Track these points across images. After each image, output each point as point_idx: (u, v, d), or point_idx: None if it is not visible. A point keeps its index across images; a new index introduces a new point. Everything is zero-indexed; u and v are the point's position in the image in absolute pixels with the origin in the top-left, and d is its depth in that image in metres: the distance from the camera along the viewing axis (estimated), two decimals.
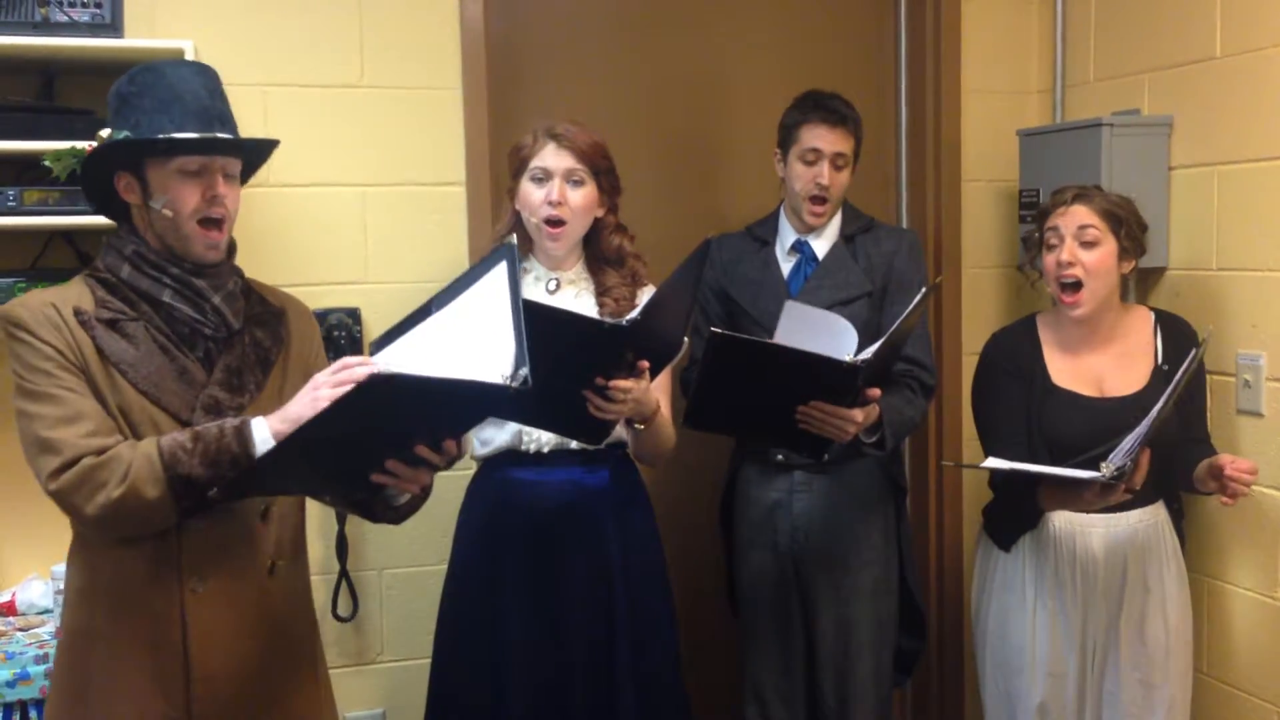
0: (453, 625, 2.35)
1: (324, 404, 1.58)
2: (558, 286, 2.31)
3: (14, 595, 2.53)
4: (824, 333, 2.13)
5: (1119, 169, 2.66)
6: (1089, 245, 2.32)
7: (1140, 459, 2.10)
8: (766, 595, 2.61)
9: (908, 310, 2.17)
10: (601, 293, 2.31)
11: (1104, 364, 2.40)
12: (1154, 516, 2.40)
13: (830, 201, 2.54)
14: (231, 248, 1.86)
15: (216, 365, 1.79)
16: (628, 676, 2.27)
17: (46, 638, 2.37)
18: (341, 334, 2.68)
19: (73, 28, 2.39)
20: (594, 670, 2.27)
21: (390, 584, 2.84)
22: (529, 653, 2.26)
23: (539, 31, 2.94)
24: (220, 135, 1.76)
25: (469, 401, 1.63)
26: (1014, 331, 2.52)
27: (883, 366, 2.22)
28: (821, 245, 2.59)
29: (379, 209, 2.76)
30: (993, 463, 2.20)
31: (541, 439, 2.28)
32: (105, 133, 1.80)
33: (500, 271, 1.67)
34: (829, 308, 2.48)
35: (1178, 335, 2.40)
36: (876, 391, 2.19)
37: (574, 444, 2.27)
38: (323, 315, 2.62)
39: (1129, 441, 2.09)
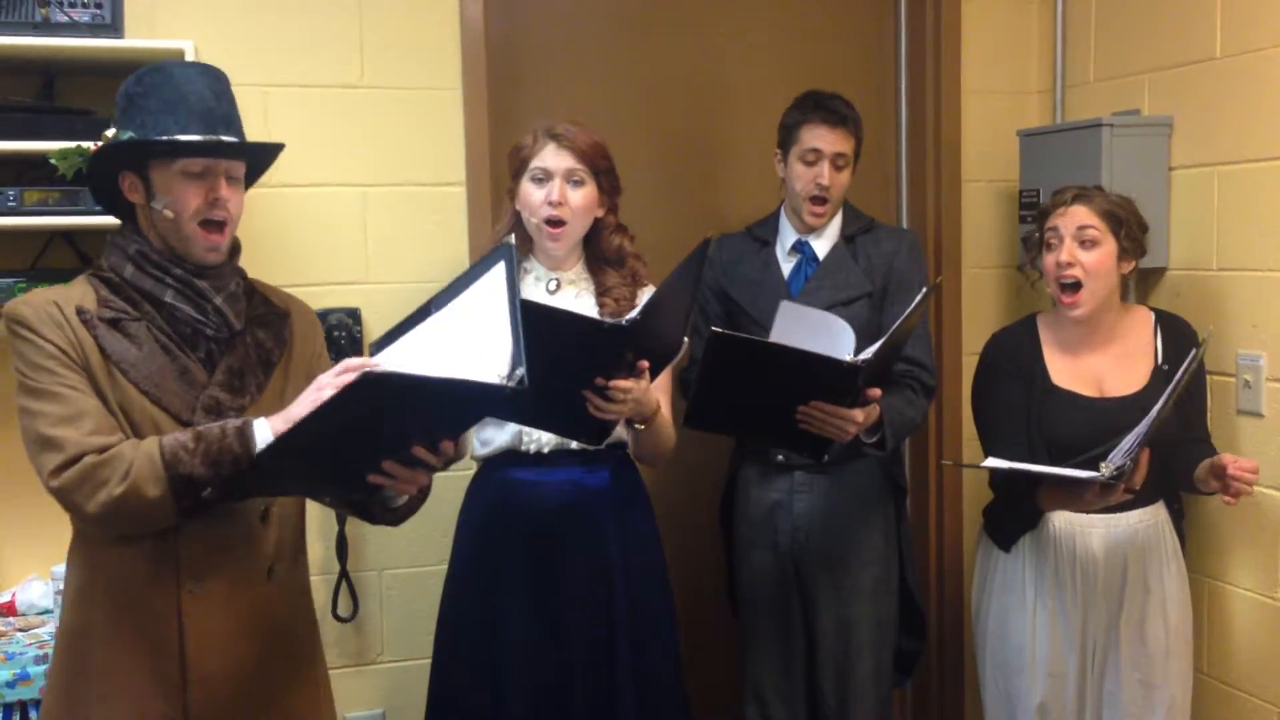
0: (453, 625, 2.35)
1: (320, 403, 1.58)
2: (558, 286, 2.31)
3: (14, 595, 2.53)
4: (821, 333, 2.12)
5: (1119, 169, 2.66)
6: (1088, 246, 2.32)
7: (1140, 459, 2.10)
8: (767, 595, 2.61)
9: (908, 310, 2.17)
10: (602, 293, 2.31)
11: (1104, 364, 2.40)
12: (1154, 517, 2.40)
13: (830, 202, 2.54)
14: (236, 249, 1.86)
15: (218, 366, 1.79)
16: (628, 677, 2.27)
17: (46, 638, 2.37)
18: (341, 334, 2.68)
19: (73, 28, 2.39)
20: (594, 670, 2.27)
21: (390, 584, 2.84)
22: (529, 653, 2.26)
23: (539, 31, 2.94)
24: (223, 138, 1.76)
25: (465, 402, 1.63)
26: (1014, 331, 2.52)
27: (883, 366, 2.22)
28: (822, 246, 2.59)
29: (379, 209, 2.76)
30: (992, 462, 2.20)
31: (541, 439, 2.28)
32: (111, 132, 1.81)
33: (498, 271, 1.67)
34: (829, 308, 2.48)
35: (1178, 335, 2.40)
36: (877, 391, 2.19)
37: (574, 444, 2.27)
38: (323, 315, 2.61)
39: (1128, 441, 2.09)
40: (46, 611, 2.50)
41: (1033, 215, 2.60)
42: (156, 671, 1.74)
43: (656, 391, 2.19)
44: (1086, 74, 2.99)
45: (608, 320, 2.06)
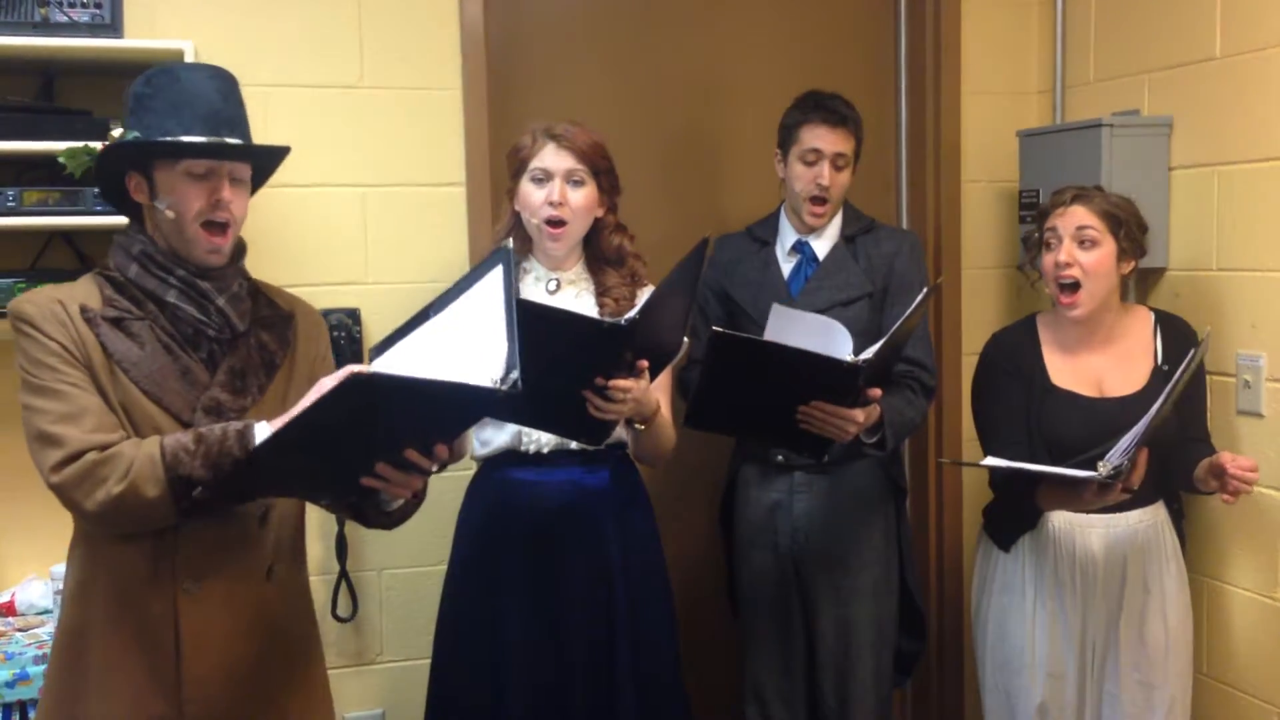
0: (452, 625, 2.35)
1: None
2: (558, 287, 2.31)
3: (13, 595, 2.53)
4: (815, 335, 2.12)
5: (1119, 169, 2.66)
6: (1088, 246, 2.32)
7: (1138, 458, 2.10)
8: (767, 595, 2.61)
9: (909, 311, 2.17)
10: (601, 293, 2.31)
11: (1104, 364, 2.40)
12: (1154, 517, 2.40)
13: (830, 202, 2.54)
14: (241, 250, 1.87)
15: (220, 367, 1.80)
16: (628, 677, 2.27)
17: (46, 638, 2.37)
18: (341, 334, 2.68)
19: (73, 28, 2.39)
20: (594, 671, 2.27)
21: (390, 584, 2.84)
22: (529, 653, 2.26)
23: (539, 31, 2.94)
24: (228, 140, 1.76)
25: (458, 405, 1.63)
26: (1014, 332, 2.52)
27: (884, 367, 2.22)
28: (822, 246, 2.59)
29: (379, 209, 2.76)
30: (989, 461, 2.20)
31: (541, 439, 2.28)
32: (118, 132, 1.82)
33: (496, 275, 1.67)
34: (829, 308, 2.48)
35: (1177, 336, 2.40)
36: (878, 391, 2.18)
37: (574, 444, 2.27)
38: (322, 315, 2.61)
39: (1126, 441, 2.09)
40: (46, 611, 2.50)
41: (1033, 215, 2.60)
42: (153, 670, 1.74)
43: (656, 391, 2.19)
44: (1086, 74, 2.99)
45: (607, 320, 2.06)
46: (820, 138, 2.49)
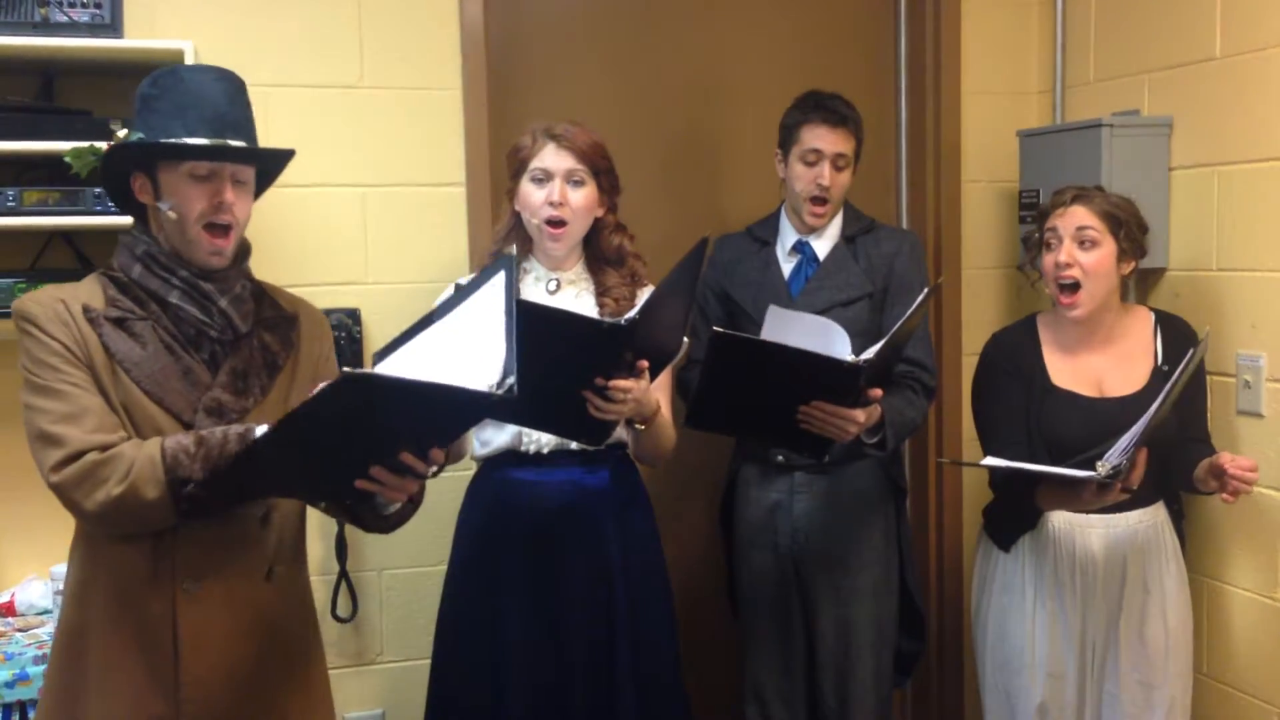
0: (452, 626, 2.35)
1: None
2: (558, 287, 2.31)
3: (13, 596, 2.53)
4: (812, 335, 2.11)
5: (1119, 169, 2.66)
6: (1088, 246, 2.32)
7: (1137, 458, 2.10)
8: (767, 596, 2.61)
9: (909, 311, 2.17)
10: (601, 293, 2.31)
11: (1104, 364, 2.40)
12: (1154, 517, 2.40)
13: (831, 202, 2.54)
14: (245, 252, 1.87)
15: (222, 367, 1.80)
16: (628, 677, 2.27)
17: (45, 638, 2.37)
18: (341, 334, 2.67)
19: (72, 28, 2.39)
20: (594, 671, 2.27)
21: (390, 584, 2.84)
22: (529, 653, 2.26)
23: (539, 31, 2.94)
24: (231, 143, 1.76)
25: (453, 408, 1.63)
26: (1014, 332, 2.52)
27: (884, 367, 2.22)
28: (822, 246, 2.59)
29: (379, 209, 2.76)
30: (988, 461, 2.20)
31: (541, 439, 2.28)
32: (122, 132, 1.82)
33: (499, 281, 1.68)
34: (829, 309, 2.48)
35: (1178, 336, 2.40)
36: (878, 391, 2.18)
37: (574, 444, 2.27)
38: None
39: (1125, 440, 2.09)
40: (46, 612, 2.50)
41: (1033, 215, 2.60)
42: (152, 670, 1.75)
43: (656, 391, 2.19)
44: (1086, 74, 2.99)
45: (607, 320, 2.06)
46: (821, 138, 2.49)
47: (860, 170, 2.61)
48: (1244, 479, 2.19)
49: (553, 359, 1.79)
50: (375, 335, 2.75)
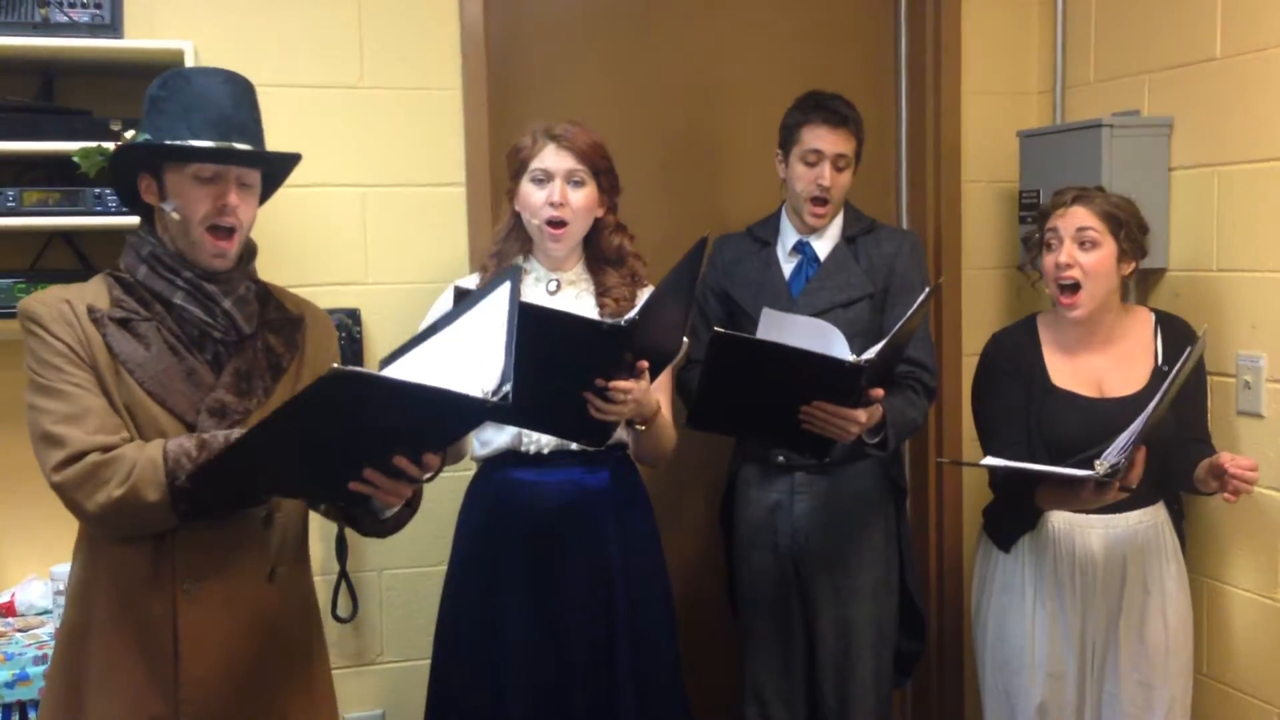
0: (453, 626, 2.35)
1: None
2: (558, 287, 2.31)
3: (13, 596, 2.53)
4: (809, 337, 2.11)
5: (1119, 170, 2.65)
6: (1088, 247, 2.32)
7: (1135, 457, 2.10)
8: (767, 596, 2.61)
9: (910, 311, 2.17)
10: (602, 293, 2.31)
11: (1104, 365, 2.40)
12: (1154, 517, 2.40)
13: (831, 203, 2.54)
14: (250, 253, 1.88)
15: (225, 369, 1.80)
16: (628, 677, 2.27)
17: (46, 638, 2.37)
18: (341, 335, 2.67)
19: (72, 28, 2.39)
20: (594, 671, 2.27)
21: (390, 584, 2.84)
22: (529, 653, 2.26)
23: (539, 31, 2.94)
24: (236, 146, 1.76)
25: (446, 412, 1.62)
26: (1014, 332, 2.52)
27: (885, 367, 2.22)
28: (823, 246, 2.59)
29: (379, 209, 2.76)
30: (988, 461, 2.20)
31: (541, 440, 2.27)
32: (130, 133, 1.83)
33: (503, 291, 1.68)
34: (830, 309, 2.49)
35: (1178, 336, 2.40)
36: (880, 391, 2.18)
37: (574, 445, 2.27)
38: None
39: (1123, 439, 2.09)
40: (46, 612, 2.50)
41: (1033, 216, 2.60)
42: (152, 670, 1.75)
43: (656, 392, 2.19)
44: (1086, 74, 2.99)
45: (606, 321, 2.06)
46: (821, 138, 2.49)
47: (860, 170, 2.61)
48: (1245, 478, 2.19)
49: (553, 360, 1.79)
50: (375, 335, 2.75)
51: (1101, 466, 2.07)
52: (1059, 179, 2.61)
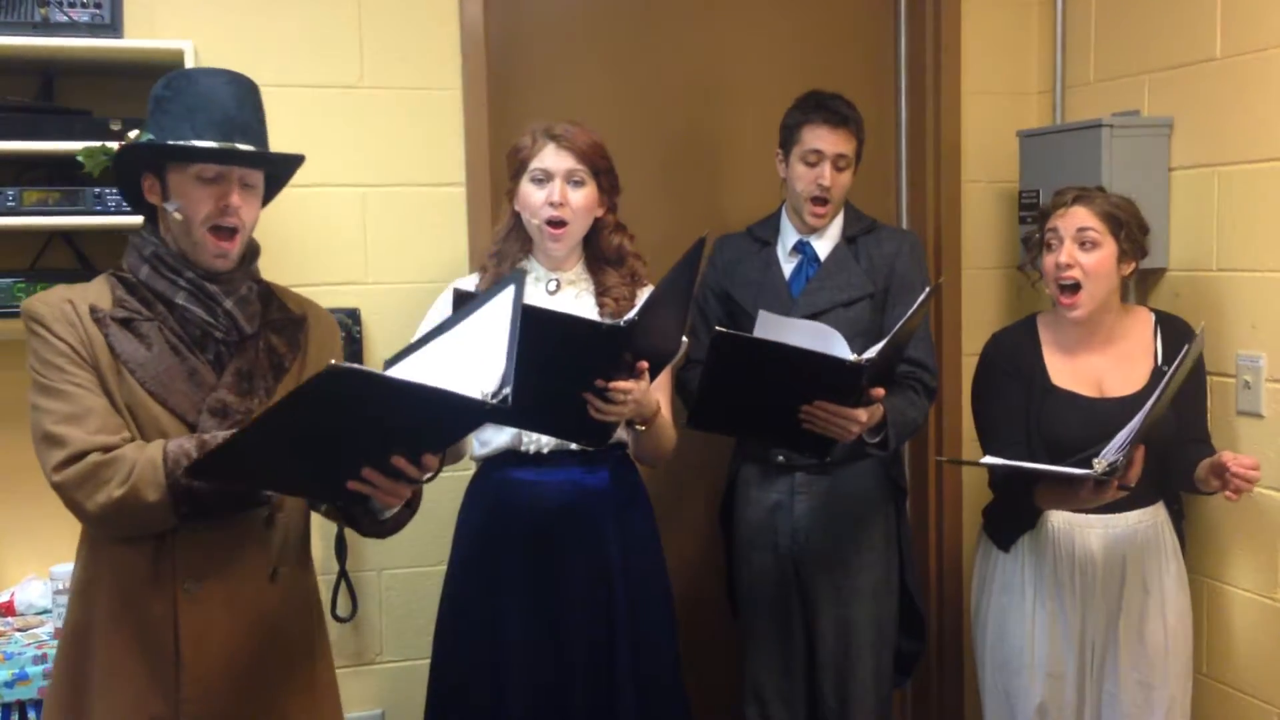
0: (452, 625, 2.35)
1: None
2: (558, 287, 2.31)
3: (13, 595, 2.53)
4: (806, 339, 2.11)
5: (1119, 170, 2.65)
6: (1088, 247, 2.32)
7: (1134, 455, 2.10)
8: (767, 596, 2.61)
9: (911, 311, 2.17)
10: (601, 292, 2.31)
11: (1104, 365, 2.40)
12: (1153, 517, 2.40)
13: (832, 203, 2.53)
14: (253, 253, 1.88)
15: (227, 369, 1.80)
16: (628, 677, 2.27)
17: (45, 638, 2.37)
18: (341, 335, 2.66)
19: (72, 28, 2.39)
20: (594, 671, 2.27)
21: (390, 584, 2.84)
22: (529, 653, 2.26)
23: (539, 31, 2.94)
24: (238, 147, 1.77)
25: (444, 412, 1.62)
26: (1014, 332, 2.52)
27: (886, 366, 2.22)
28: (823, 246, 2.59)
29: (379, 209, 2.76)
30: (987, 460, 2.20)
31: (541, 440, 2.27)
32: (133, 133, 1.83)
33: (507, 295, 1.68)
34: (830, 309, 2.49)
35: (1178, 336, 2.40)
36: (881, 391, 2.18)
37: (574, 445, 2.27)
38: None
39: (1121, 437, 2.09)
40: (45, 611, 2.50)
41: (1033, 216, 2.60)
42: (153, 670, 1.75)
43: (656, 392, 2.19)
44: (1086, 74, 2.99)
45: (606, 322, 2.06)
46: (822, 138, 2.49)
47: (860, 170, 2.60)
48: (1247, 477, 2.18)
49: (552, 361, 1.79)
50: (375, 335, 2.75)
51: (1100, 465, 2.07)
52: (1059, 179, 2.61)
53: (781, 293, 2.55)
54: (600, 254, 2.34)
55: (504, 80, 2.87)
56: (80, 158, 1.98)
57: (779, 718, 2.62)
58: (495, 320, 1.67)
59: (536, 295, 2.28)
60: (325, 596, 2.71)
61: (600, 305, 2.29)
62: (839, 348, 2.11)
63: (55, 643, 2.30)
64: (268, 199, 1.92)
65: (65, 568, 2.35)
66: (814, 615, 2.58)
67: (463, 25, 2.78)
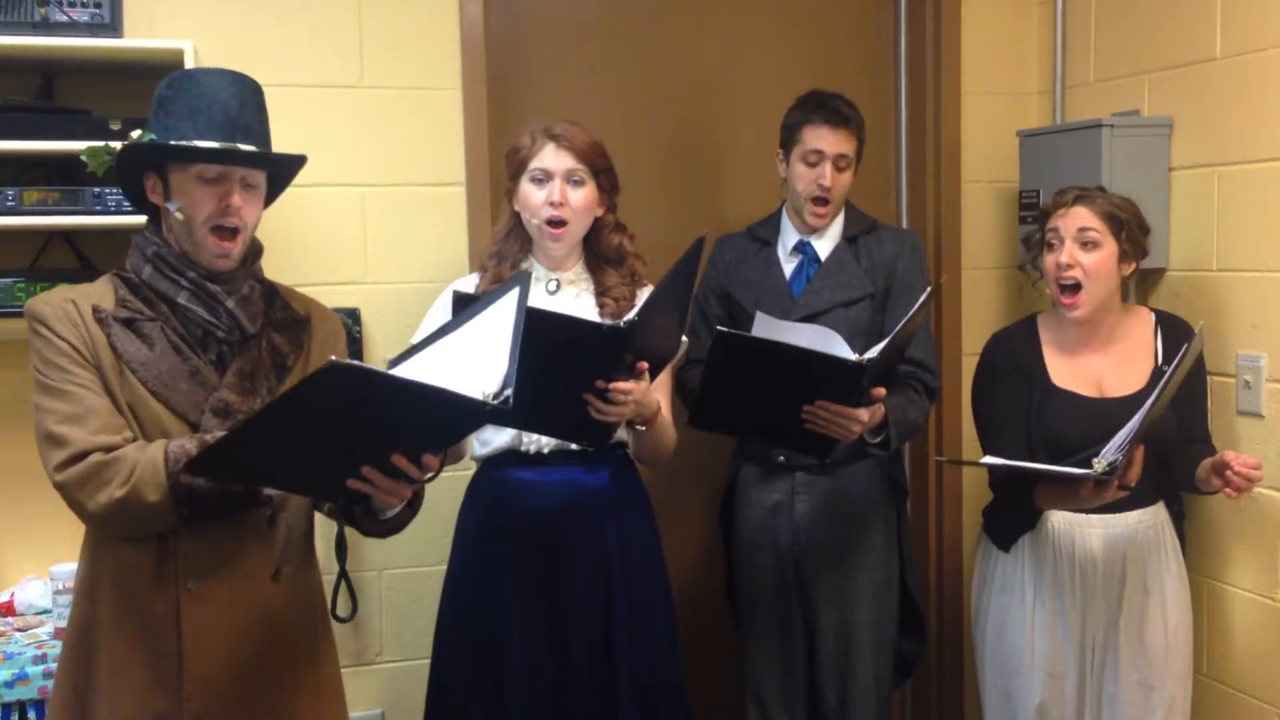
0: (452, 626, 2.35)
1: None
2: (558, 287, 2.31)
3: (12, 595, 2.53)
4: (805, 341, 2.11)
5: (1119, 170, 2.65)
6: (1089, 247, 2.32)
7: (1133, 455, 2.10)
8: (767, 596, 2.61)
9: (912, 311, 2.17)
10: (601, 292, 2.30)
11: (1104, 365, 2.40)
12: (1154, 517, 2.40)
13: (832, 203, 2.53)
14: (256, 253, 1.88)
15: (229, 368, 1.80)
16: (627, 677, 2.27)
17: (45, 638, 2.37)
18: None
19: (72, 28, 2.39)
20: (593, 671, 2.27)
21: (389, 584, 2.84)
22: (528, 653, 2.26)
23: (539, 31, 2.94)
24: (239, 147, 1.77)
25: (445, 412, 1.62)
26: (1014, 332, 2.52)
27: (887, 366, 2.22)
28: (824, 246, 2.59)
29: (379, 209, 2.76)
30: (986, 460, 2.20)
31: (541, 440, 2.27)
32: (136, 133, 1.84)
33: (512, 297, 1.69)
34: (831, 309, 2.49)
35: (1178, 336, 2.39)
36: (882, 390, 2.18)
37: (574, 445, 2.27)
38: None
39: (1121, 437, 2.09)
40: (45, 611, 2.50)
41: (1033, 216, 2.60)
42: (156, 669, 1.75)
43: (656, 392, 2.19)
44: (1086, 74, 2.99)
45: (606, 323, 2.06)
46: (822, 138, 2.48)
47: (860, 170, 2.60)
48: (1249, 476, 2.18)
49: (553, 362, 1.79)
50: (375, 335, 2.75)
51: (1100, 464, 2.07)
52: (1059, 179, 2.61)
53: (782, 293, 2.55)
54: (600, 254, 2.34)
55: (503, 80, 2.87)
56: (84, 157, 1.99)
57: (779, 718, 2.62)
58: (498, 322, 1.67)
59: (536, 295, 2.28)
60: (325, 596, 2.72)
61: (600, 305, 2.29)
62: (838, 349, 2.11)
63: (55, 643, 2.31)
64: (271, 199, 1.92)
65: (65, 568, 2.35)
66: (814, 615, 2.58)
67: (462, 25, 2.78)
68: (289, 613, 1.87)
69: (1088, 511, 2.33)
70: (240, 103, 1.80)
